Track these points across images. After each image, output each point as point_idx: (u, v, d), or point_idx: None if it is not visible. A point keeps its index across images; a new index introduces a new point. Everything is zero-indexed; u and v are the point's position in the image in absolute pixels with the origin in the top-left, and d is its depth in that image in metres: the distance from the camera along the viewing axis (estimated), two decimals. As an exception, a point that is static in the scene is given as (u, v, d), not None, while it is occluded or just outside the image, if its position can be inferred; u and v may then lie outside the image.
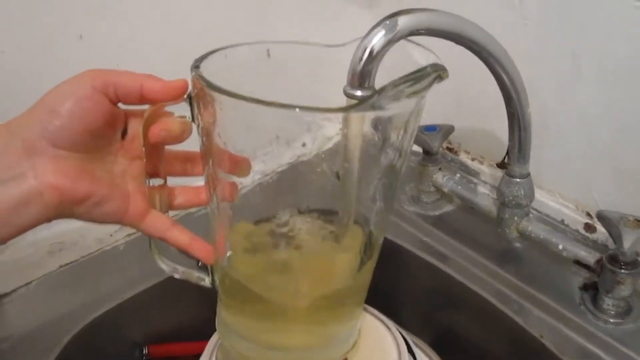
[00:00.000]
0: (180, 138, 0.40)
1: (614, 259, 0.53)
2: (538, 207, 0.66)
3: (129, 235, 0.68)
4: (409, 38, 0.44)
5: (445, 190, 0.69)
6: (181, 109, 0.40)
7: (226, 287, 0.45)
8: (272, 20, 0.72)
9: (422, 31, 0.44)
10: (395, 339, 0.51)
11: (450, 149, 0.76)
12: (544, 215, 0.66)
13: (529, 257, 0.63)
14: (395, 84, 0.36)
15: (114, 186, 0.40)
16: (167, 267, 0.46)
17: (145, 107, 0.39)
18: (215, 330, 0.48)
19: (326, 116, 0.37)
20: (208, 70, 0.37)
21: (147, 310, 0.64)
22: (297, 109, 0.34)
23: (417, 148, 0.70)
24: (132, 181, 0.42)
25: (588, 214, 0.63)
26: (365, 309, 0.51)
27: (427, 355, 0.59)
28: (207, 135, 0.40)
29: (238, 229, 0.46)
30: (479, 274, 0.62)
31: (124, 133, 0.41)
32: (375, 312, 0.53)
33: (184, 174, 0.45)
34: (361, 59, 0.42)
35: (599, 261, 0.55)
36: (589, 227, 0.63)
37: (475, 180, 0.72)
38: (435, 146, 0.67)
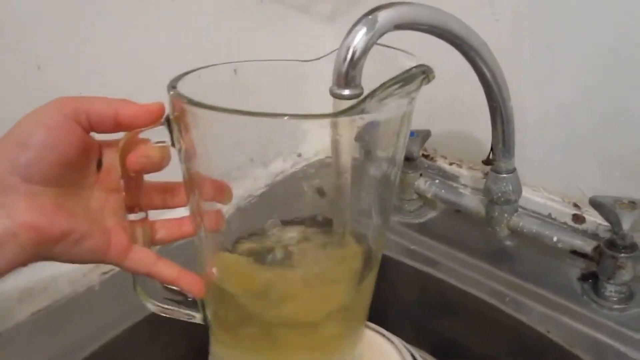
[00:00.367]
0: (160, 165, 0.38)
1: (612, 244, 0.52)
2: (523, 204, 0.65)
3: (104, 273, 0.64)
4: (389, 45, 0.43)
5: (429, 195, 0.67)
6: (157, 135, 0.38)
7: (220, 318, 0.43)
8: (235, 36, 0.70)
9: (404, 25, 0.43)
10: (400, 353, 0.49)
11: (426, 156, 0.75)
12: (530, 212, 0.65)
13: (521, 255, 0.62)
14: (385, 85, 0.35)
15: (94, 222, 0.37)
16: (154, 306, 0.43)
17: (119, 136, 0.37)
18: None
19: (316, 123, 0.36)
20: (183, 91, 0.36)
21: (130, 351, 0.60)
22: (286, 117, 0.33)
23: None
24: (112, 216, 0.39)
25: (575, 205, 0.63)
26: (367, 326, 0.49)
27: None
28: (188, 159, 0.38)
29: (227, 255, 0.43)
30: (474, 276, 0.60)
31: (99, 165, 0.39)
32: (377, 327, 0.51)
33: (164, 206, 0.43)
34: (345, 58, 0.41)
35: (596, 248, 0.54)
36: (578, 218, 0.62)
37: (455, 185, 0.71)
38: (415, 151, 0.66)
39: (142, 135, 0.37)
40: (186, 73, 0.39)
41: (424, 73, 0.37)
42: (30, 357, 0.55)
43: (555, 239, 0.57)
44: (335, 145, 0.40)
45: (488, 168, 0.61)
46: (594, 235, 0.61)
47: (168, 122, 0.37)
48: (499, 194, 0.58)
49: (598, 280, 0.55)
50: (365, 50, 0.41)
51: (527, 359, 0.55)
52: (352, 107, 0.39)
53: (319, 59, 0.45)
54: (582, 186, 0.62)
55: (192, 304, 0.44)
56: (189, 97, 0.35)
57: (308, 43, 0.72)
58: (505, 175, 0.57)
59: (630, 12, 0.54)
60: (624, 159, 0.58)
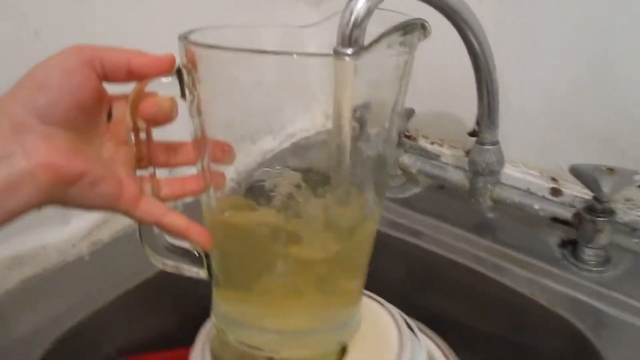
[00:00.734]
0: (169, 116, 0.39)
1: (592, 209, 0.55)
2: (503, 180, 0.68)
3: (94, 244, 0.64)
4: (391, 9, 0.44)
5: (414, 171, 0.70)
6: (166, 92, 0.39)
7: (224, 272, 0.43)
8: (224, 16, 0.72)
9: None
10: (395, 321, 0.50)
11: (408, 136, 0.77)
12: (510, 187, 0.68)
13: (503, 225, 0.65)
14: (386, 33, 0.37)
15: (107, 168, 0.38)
16: (160, 262, 0.43)
17: (126, 93, 0.38)
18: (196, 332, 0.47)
19: (325, 61, 0.38)
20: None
21: (120, 321, 0.60)
22: (295, 55, 0.36)
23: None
24: (121, 167, 0.39)
25: (553, 179, 0.66)
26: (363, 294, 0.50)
27: (427, 336, 0.59)
28: (199, 112, 0.39)
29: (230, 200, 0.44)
30: (458, 245, 0.62)
31: (109, 116, 0.39)
32: (373, 295, 0.53)
33: (167, 164, 0.43)
34: (349, 21, 0.43)
35: (576, 215, 0.57)
36: (556, 191, 0.65)
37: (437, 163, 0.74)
38: (402, 127, 0.68)
39: (150, 90, 0.38)
40: (192, 30, 0.40)
41: (422, 26, 0.39)
42: (19, 323, 0.55)
43: (537, 207, 0.60)
44: (337, 90, 0.41)
45: (469, 146, 0.63)
46: (572, 207, 0.64)
47: (179, 73, 0.38)
48: (484, 165, 0.61)
49: (577, 246, 0.58)
50: (368, 13, 0.43)
51: (513, 321, 0.58)
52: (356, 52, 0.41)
53: (316, 24, 0.46)
54: (560, 161, 0.65)
55: (197, 260, 0.44)
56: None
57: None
58: (489, 146, 0.60)
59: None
60: (601, 133, 0.61)
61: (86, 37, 0.58)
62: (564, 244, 0.60)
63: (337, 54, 0.43)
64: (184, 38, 0.37)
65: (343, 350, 0.47)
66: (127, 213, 0.40)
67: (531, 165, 0.68)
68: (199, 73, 0.37)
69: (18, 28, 0.55)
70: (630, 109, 0.59)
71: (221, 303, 0.45)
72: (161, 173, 0.43)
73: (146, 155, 0.40)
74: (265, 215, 0.43)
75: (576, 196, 0.64)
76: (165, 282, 0.60)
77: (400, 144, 0.70)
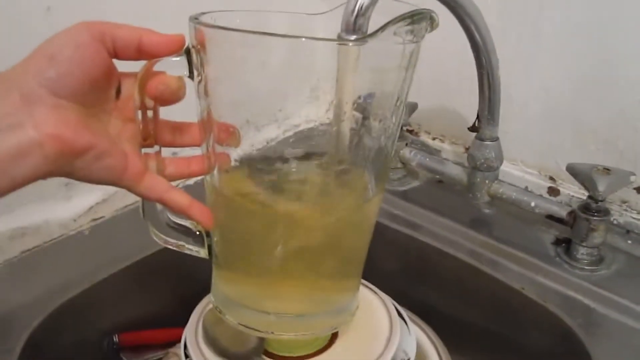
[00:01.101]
0: (177, 95, 0.39)
1: (587, 208, 0.56)
2: (502, 177, 0.69)
3: (94, 220, 0.65)
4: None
5: (413, 164, 0.70)
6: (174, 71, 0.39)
7: (225, 251, 0.44)
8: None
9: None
10: (387, 309, 0.51)
11: (410, 131, 0.78)
12: (507, 183, 0.69)
13: (500, 221, 0.65)
14: (394, 21, 0.37)
15: (113, 143, 0.39)
16: (161, 239, 0.44)
17: (136, 71, 0.38)
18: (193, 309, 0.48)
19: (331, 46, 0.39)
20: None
21: (116, 297, 0.61)
22: (303, 39, 0.36)
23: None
24: (127, 143, 0.40)
25: (551, 178, 0.67)
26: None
27: (417, 325, 0.60)
28: (206, 93, 0.39)
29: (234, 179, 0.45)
30: (454, 239, 0.63)
31: (118, 93, 0.40)
32: (368, 284, 0.53)
33: (173, 143, 0.44)
34: (354, 9, 0.44)
35: (571, 213, 0.58)
36: (553, 191, 0.66)
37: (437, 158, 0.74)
38: (404, 119, 0.68)
39: (160, 69, 0.39)
40: (203, 13, 0.40)
41: (430, 17, 0.39)
42: (17, 293, 0.56)
43: (533, 204, 0.61)
44: (340, 75, 0.42)
45: (469, 142, 0.64)
46: (568, 206, 0.64)
47: (188, 53, 0.38)
48: (482, 160, 0.61)
49: (571, 244, 0.58)
50: (373, 1, 0.44)
51: (503, 315, 0.58)
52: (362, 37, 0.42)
53: (325, 12, 0.47)
54: (559, 160, 0.65)
55: (198, 239, 0.45)
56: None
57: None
58: (488, 142, 0.61)
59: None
60: (600, 134, 0.62)
61: (97, 15, 0.58)
62: (558, 241, 0.61)
63: (341, 39, 0.44)
64: (194, 19, 0.38)
65: (334, 334, 0.48)
66: (130, 188, 0.40)
67: (530, 164, 0.68)
68: (208, 54, 0.38)
69: (31, 4, 0.56)
70: (629, 110, 0.60)
71: (220, 283, 0.46)
72: (166, 153, 0.44)
73: (152, 134, 0.40)
74: (267, 194, 0.43)
75: (573, 196, 0.64)
76: (163, 261, 0.61)
77: (402, 137, 0.71)
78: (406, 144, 0.71)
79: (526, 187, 0.68)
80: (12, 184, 0.34)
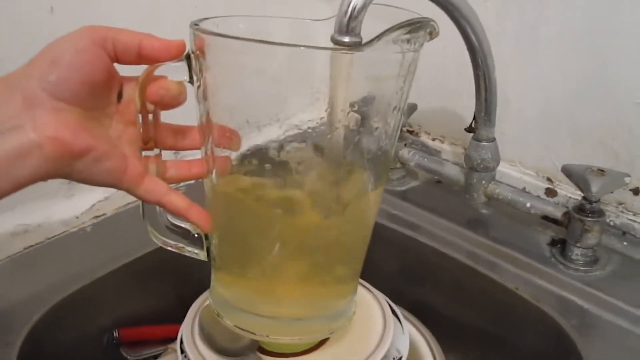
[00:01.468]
0: (177, 100, 0.40)
1: (581, 209, 0.56)
2: (499, 178, 0.69)
3: (96, 217, 0.66)
4: (390, 5, 0.45)
5: (412, 164, 0.71)
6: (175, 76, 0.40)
7: (223, 253, 0.45)
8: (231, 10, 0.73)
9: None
10: (381, 307, 0.51)
11: (410, 132, 0.79)
12: (504, 184, 0.69)
13: (496, 221, 0.66)
14: (392, 29, 0.37)
15: (113, 146, 0.39)
16: (160, 240, 0.45)
17: (139, 75, 0.39)
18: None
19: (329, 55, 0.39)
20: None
21: (116, 294, 0.62)
22: (302, 47, 0.36)
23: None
24: (128, 146, 0.41)
25: (548, 179, 0.67)
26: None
27: (412, 324, 0.60)
28: (205, 97, 0.40)
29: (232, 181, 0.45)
30: (452, 239, 0.63)
31: (119, 97, 0.40)
32: (363, 282, 0.54)
33: (174, 146, 0.44)
34: (346, 12, 0.44)
35: (566, 214, 0.58)
36: (550, 192, 0.66)
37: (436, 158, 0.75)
38: (403, 121, 0.69)
39: (159, 74, 0.39)
40: (205, 18, 0.41)
41: (430, 26, 0.39)
42: (19, 288, 0.57)
43: (528, 204, 0.61)
44: (333, 81, 0.42)
45: (468, 143, 0.64)
46: (564, 207, 0.64)
47: (188, 58, 0.39)
48: (479, 161, 0.62)
49: (566, 245, 0.58)
50: (364, 5, 0.44)
51: (498, 315, 0.59)
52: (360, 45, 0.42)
53: (328, 19, 0.47)
54: (556, 161, 0.66)
55: (197, 241, 0.45)
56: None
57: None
58: (485, 143, 0.61)
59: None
60: (597, 136, 0.62)
61: (100, 17, 0.60)
62: (553, 242, 0.61)
63: (335, 42, 0.45)
64: (194, 25, 0.38)
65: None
66: (129, 190, 0.41)
67: (528, 165, 0.69)
68: (207, 60, 0.38)
69: (34, 5, 0.57)
70: (625, 112, 0.60)
71: (218, 286, 0.46)
72: (167, 156, 0.44)
73: (153, 137, 0.41)
74: (266, 194, 0.44)
75: (570, 197, 0.65)
76: (163, 259, 0.62)
77: (401, 138, 0.71)
78: (405, 145, 0.72)
79: (524, 188, 0.68)
80: (13, 185, 0.35)
